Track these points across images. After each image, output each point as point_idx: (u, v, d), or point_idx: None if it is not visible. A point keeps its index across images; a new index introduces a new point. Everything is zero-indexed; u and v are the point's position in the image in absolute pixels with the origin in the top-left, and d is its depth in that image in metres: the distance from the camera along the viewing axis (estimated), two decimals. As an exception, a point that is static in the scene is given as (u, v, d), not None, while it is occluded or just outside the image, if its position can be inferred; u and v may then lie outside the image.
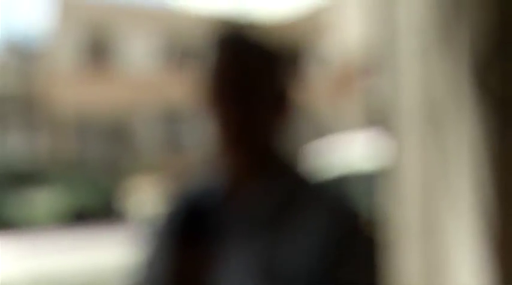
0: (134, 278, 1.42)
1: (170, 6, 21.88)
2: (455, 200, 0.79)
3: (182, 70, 19.33)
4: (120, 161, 19.04)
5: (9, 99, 19.90)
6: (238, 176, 1.37)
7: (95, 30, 20.81)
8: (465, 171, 0.78)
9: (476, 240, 0.77)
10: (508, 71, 0.77)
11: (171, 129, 20.95)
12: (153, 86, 20.72)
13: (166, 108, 20.95)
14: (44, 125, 20.15)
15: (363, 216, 1.36)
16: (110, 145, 20.51)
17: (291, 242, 1.30)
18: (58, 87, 20.14)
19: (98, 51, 20.93)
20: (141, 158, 19.52)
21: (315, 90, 16.01)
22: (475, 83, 0.77)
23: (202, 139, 1.41)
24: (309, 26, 19.96)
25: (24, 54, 20.84)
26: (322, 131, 12.39)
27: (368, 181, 4.02)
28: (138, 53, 21.29)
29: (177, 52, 21.17)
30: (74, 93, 20.10)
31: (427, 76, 0.80)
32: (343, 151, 4.96)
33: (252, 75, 1.36)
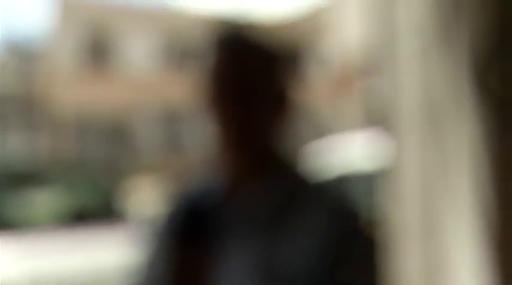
0: (134, 278, 1.42)
1: (170, 6, 21.88)
2: (455, 200, 0.79)
3: (182, 70, 19.33)
4: (120, 162, 19.04)
5: (9, 99, 19.90)
6: (238, 177, 1.37)
7: (95, 30, 20.80)
8: (465, 171, 0.78)
9: (476, 240, 0.77)
10: (508, 71, 0.77)
11: (171, 129, 20.95)
12: (152, 86, 20.72)
13: (166, 108, 20.94)
14: (44, 125, 20.15)
15: (362, 216, 1.36)
16: (109, 145, 20.51)
17: (290, 242, 1.31)
18: (58, 87, 20.14)
19: (97, 51, 20.93)
20: (141, 158, 19.52)
21: (314, 90, 16.00)
22: (475, 83, 0.77)
23: (202, 140, 1.41)
24: (309, 26, 19.95)
25: (24, 54, 20.84)
26: (322, 131, 12.39)
27: (368, 181, 4.02)
28: (138, 53, 21.28)
29: (176, 53, 21.17)
30: (73, 93, 20.10)
31: (427, 77, 0.80)
32: (343, 151, 4.96)
33: (252, 75, 1.36)
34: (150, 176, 13.22)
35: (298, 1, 20.98)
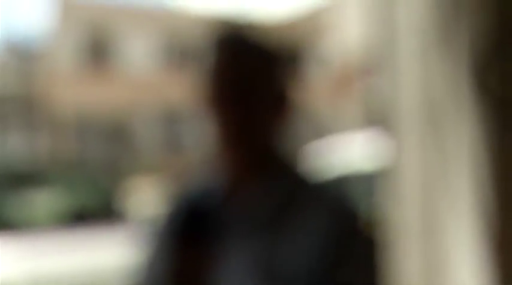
0: (134, 279, 1.42)
1: (170, 6, 21.88)
2: (454, 200, 0.79)
3: (182, 70, 19.33)
4: (120, 162, 19.03)
5: (9, 100, 19.90)
6: (238, 177, 1.37)
7: (95, 30, 20.81)
8: (465, 171, 0.78)
9: (475, 240, 0.77)
10: (507, 71, 0.77)
11: (170, 129, 20.95)
12: (152, 86, 20.72)
13: (166, 108, 20.95)
14: (44, 125, 20.15)
15: (362, 216, 1.36)
16: (109, 146, 20.51)
17: (290, 242, 1.31)
18: (58, 88, 20.14)
19: (97, 51, 20.93)
20: (141, 158, 19.52)
21: (314, 90, 16.00)
22: (475, 83, 0.77)
23: (201, 140, 1.41)
24: (309, 26, 19.96)
25: (24, 55, 20.84)
26: (321, 131, 12.39)
27: (368, 181, 4.02)
28: (138, 53, 21.28)
29: (176, 53, 21.17)
30: (73, 93, 20.11)
31: (427, 77, 0.80)
32: (343, 151, 4.96)
33: (251, 76, 1.36)
34: (150, 176, 13.22)
35: (298, 1, 20.98)
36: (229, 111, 1.34)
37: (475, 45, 0.77)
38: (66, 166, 16.12)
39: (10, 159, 16.25)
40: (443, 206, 0.79)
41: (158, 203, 1.48)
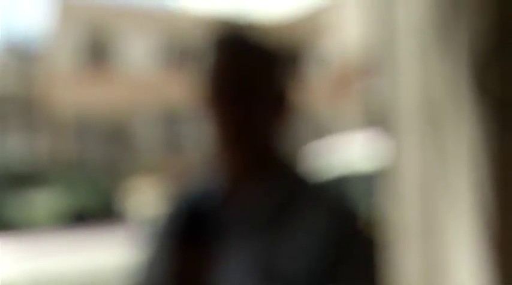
0: (134, 279, 1.42)
1: (170, 7, 21.88)
2: (454, 200, 0.79)
3: (181, 70, 19.33)
4: (119, 162, 19.03)
5: (9, 100, 19.89)
6: (238, 177, 1.37)
7: (95, 31, 20.80)
8: (464, 171, 0.78)
9: (475, 240, 0.77)
10: (507, 72, 0.77)
11: (170, 129, 20.95)
12: (152, 87, 20.71)
13: (165, 108, 20.94)
14: (44, 126, 20.14)
15: (362, 216, 1.36)
16: (109, 146, 20.51)
17: (290, 242, 1.31)
18: (58, 88, 20.14)
19: (97, 51, 20.92)
20: (140, 159, 19.51)
21: (314, 90, 16.00)
22: (474, 83, 0.77)
23: (201, 140, 1.41)
24: (309, 26, 19.96)
25: (24, 55, 20.83)
26: (321, 131, 12.39)
27: (367, 181, 4.02)
28: (138, 54, 21.28)
29: (176, 53, 21.17)
30: (73, 93, 20.10)
31: (426, 77, 0.80)
32: (343, 152, 4.96)
33: (251, 76, 1.36)
34: (150, 176, 13.22)
35: (298, 1, 20.98)
36: (229, 111, 1.34)
37: (475, 45, 0.77)
38: (66, 167, 16.12)
39: (10, 160, 16.26)
40: (443, 206, 0.79)
41: (158, 204, 1.48)
